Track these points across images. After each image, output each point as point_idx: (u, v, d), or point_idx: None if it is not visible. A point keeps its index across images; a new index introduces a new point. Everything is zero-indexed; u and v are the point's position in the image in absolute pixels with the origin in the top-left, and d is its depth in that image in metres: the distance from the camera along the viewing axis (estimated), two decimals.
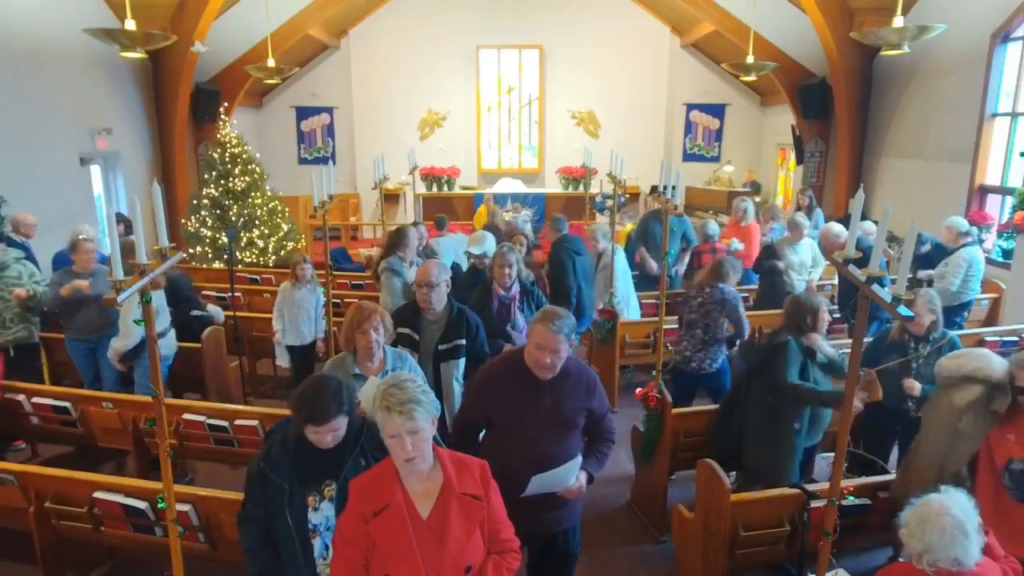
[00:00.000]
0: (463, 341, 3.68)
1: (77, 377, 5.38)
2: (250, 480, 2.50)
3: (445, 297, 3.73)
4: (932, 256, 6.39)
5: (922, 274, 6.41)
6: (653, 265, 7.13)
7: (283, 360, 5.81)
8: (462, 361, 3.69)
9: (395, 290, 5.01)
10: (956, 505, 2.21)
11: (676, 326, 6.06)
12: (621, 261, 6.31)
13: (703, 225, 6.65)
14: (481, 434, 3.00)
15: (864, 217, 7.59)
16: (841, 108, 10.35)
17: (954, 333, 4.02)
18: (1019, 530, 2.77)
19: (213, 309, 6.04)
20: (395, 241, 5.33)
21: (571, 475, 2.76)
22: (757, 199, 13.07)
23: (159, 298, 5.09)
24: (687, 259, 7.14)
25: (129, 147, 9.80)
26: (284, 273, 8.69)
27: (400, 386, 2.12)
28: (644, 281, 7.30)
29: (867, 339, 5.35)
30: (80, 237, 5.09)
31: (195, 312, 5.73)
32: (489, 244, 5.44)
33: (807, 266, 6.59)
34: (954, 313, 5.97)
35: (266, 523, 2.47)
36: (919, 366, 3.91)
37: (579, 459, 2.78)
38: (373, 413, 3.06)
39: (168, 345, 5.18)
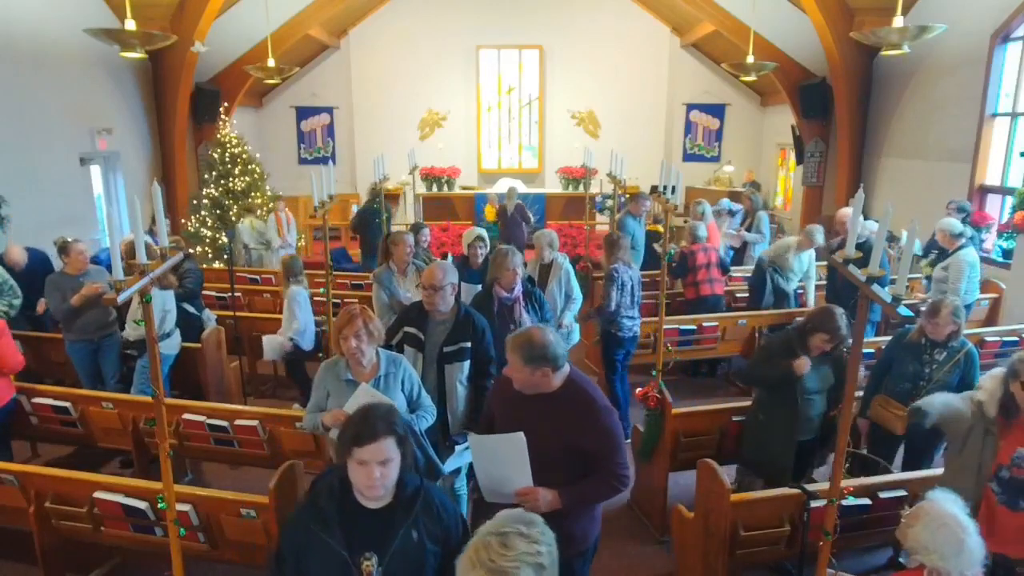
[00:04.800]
0: (468, 344, 3.64)
1: (77, 377, 5.38)
2: (284, 537, 2.09)
3: (452, 299, 3.68)
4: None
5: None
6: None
7: (270, 354, 5.65)
8: (467, 364, 3.66)
9: (380, 302, 4.89)
10: (967, 521, 2.23)
11: (673, 326, 6.17)
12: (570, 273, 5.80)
13: (693, 227, 6.68)
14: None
15: (864, 218, 7.61)
16: (841, 108, 10.35)
17: (972, 345, 3.99)
18: (1006, 532, 2.82)
19: (207, 314, 6.07)
20: (385, 249, 5.20)
21: (519, 461, 2.44)
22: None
23: (169, 298, 5.15)
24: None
25: (129, 147, 9.80)
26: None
27: (507, 542, 1.53)
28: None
29: (879, 339, 5.43)
30: (71, 240, 5.15)
31: (189, 308, 5.76)
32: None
33: (802, 271, 6.75)
34: None
35: None
36: (932, 371, 3.90)
37: (522, 440, 2.44)
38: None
39: (173, 344, 5.22)
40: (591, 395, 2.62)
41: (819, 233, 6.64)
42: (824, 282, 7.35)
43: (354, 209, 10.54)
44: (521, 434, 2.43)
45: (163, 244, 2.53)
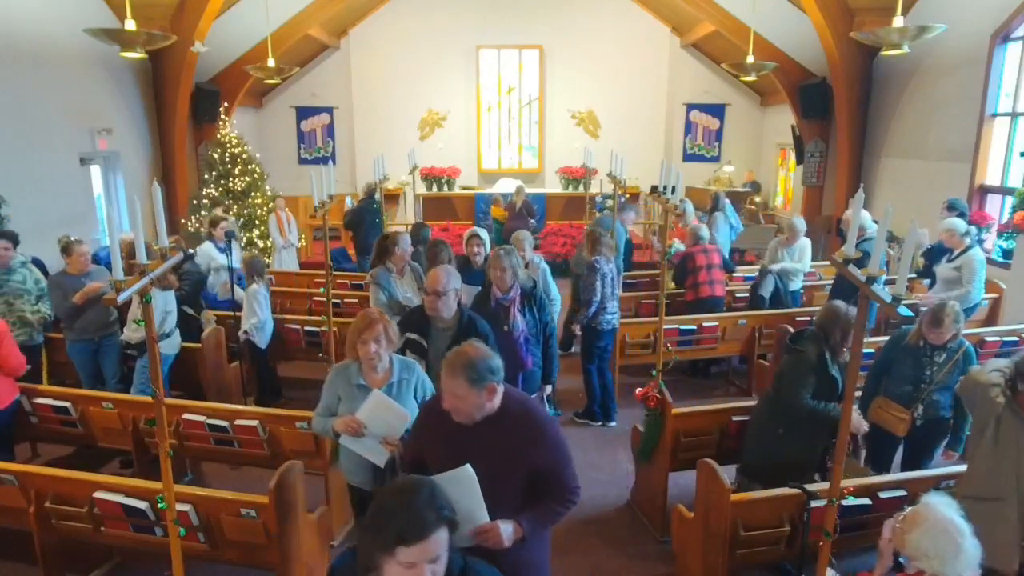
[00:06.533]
0: None
1: (78, 377, 5.39)
2: None
3: (455, 304, 3.61)
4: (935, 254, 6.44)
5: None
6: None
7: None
8: None
9: (379, 304, 4.77)
10: (963, 524, 2.23)
11: (673, 326, 6.16)
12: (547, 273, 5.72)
13: (694, 228, 6.70)
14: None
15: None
16: (841, 108, 10.35)
17: (969, 344, 4.00)
18: None
19: (206, 316, 6.09)
20: (381, 249, 4.96)
21: (471, 498, 2.21)
22: (757, 199, 13.09)
23: (170, 299, 5.16)
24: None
25: (129, 147, 9.79)
26: (281, 273, 8.73)
27: None
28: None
29: (880, 338, 5.42)
30: (74, 239, 5.17)
31: (189, 310, 5.80)
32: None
33: (792, 259, 6.80)
34: None
35: None
36: (932, 373, 3.91)
37: (472, 474, 2.20)
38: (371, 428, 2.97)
39: (173, 345, 5.23)
40: (534, 407, 2.49)
41: (799, 221, 6.81)
42: (826, 281, 7.38)
43: (348, 202, 10.47)
44: (469, 467, 2.21)
45: (163, 244, 2.53)
